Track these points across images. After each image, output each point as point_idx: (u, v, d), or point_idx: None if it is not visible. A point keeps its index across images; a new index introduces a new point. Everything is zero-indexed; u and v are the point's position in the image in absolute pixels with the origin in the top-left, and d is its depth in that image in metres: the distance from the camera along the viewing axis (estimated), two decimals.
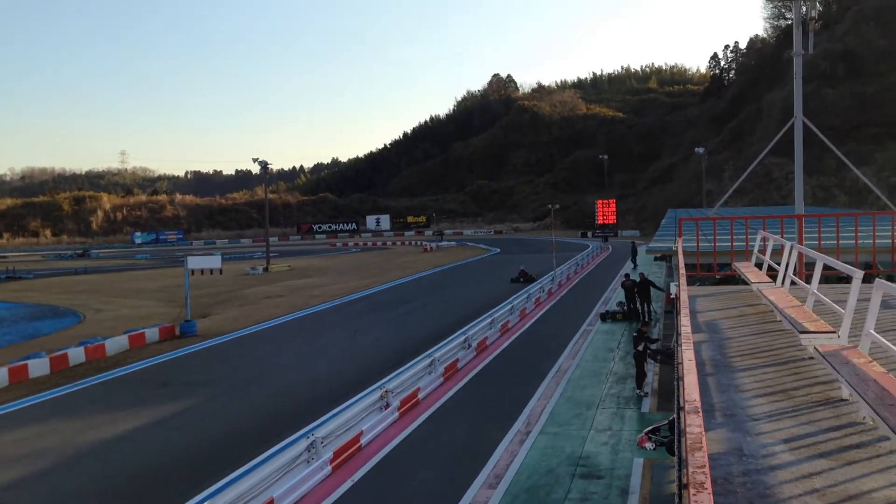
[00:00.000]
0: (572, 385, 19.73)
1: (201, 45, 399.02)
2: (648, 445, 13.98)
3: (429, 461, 14.61)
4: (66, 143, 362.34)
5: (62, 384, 22.51)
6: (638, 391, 18.28)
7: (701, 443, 2.89)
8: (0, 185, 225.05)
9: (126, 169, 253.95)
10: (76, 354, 25.36)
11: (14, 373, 23.05)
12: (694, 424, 3.17)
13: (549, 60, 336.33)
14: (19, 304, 45.48)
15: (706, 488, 2.43)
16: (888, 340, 5.83)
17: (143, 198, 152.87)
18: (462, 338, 23.76)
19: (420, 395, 18.70)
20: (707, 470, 2.72)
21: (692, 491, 2.47)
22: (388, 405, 17.01)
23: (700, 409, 3.50)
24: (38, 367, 23.78)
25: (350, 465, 14.24)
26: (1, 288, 55.69)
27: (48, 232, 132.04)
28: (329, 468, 13.79)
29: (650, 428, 14.60)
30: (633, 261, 51.51)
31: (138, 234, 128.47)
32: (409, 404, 17.94)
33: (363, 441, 15.32)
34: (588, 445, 14.81)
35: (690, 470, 2.65)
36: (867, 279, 7.05)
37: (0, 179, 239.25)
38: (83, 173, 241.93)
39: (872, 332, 5.75)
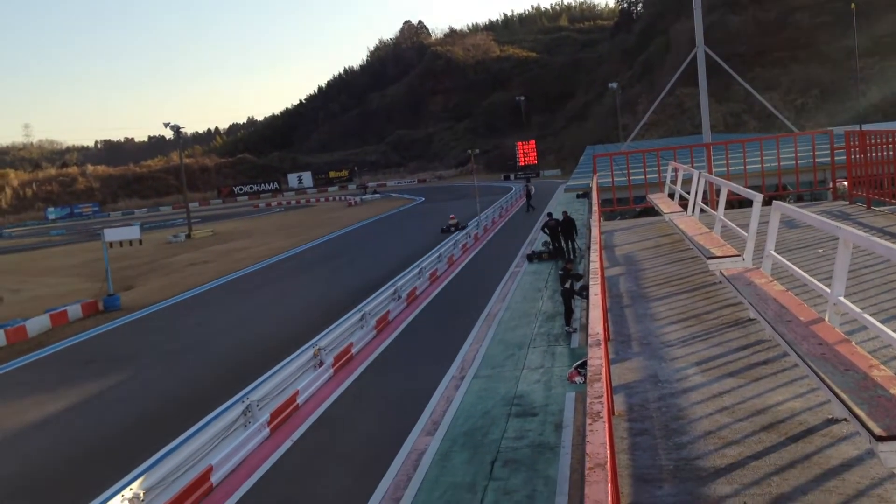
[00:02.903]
0: (503, 327, 20.03)
1: (100, 8, 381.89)
2: (578, 379, 14.40)
3: (366, 414, 14.76)
4: None
5: None
6: (567, 328, 18.64)
7: (600, 374, 3.02)
8: None
9: (32, 143, 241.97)
10: None
11: None
12: (595, 357, 3.30)
13: (459, 3, 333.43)
14: None
15: (602, 417, 2.55)
16: (789, 259, 6.11)
17: (53, 171, 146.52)
18: (392, 289, 23.83)
19: (353, 350, 18.77)
20: (606, 399, 2.84)
21: (588, 420, 2.59)
22: (321, 363, 17.03)
23: (602, 342, 3.63)
24: None
25: (288, 426, 14.28)
26: None
27: None
28: (267, 430, 13.80)
29: (579, 362, 15.02)
30: (529, 205, 49.70)
31: (51, 209, 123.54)
32: (344, 360, 18.00)
33: (300, 400, 15.34)
34: (521, 385, 15.11)
35: (588, 400, 2.77)
36: (768, 202, 7.32)
37: None
38: None
39: (773, 252, 6.01)
